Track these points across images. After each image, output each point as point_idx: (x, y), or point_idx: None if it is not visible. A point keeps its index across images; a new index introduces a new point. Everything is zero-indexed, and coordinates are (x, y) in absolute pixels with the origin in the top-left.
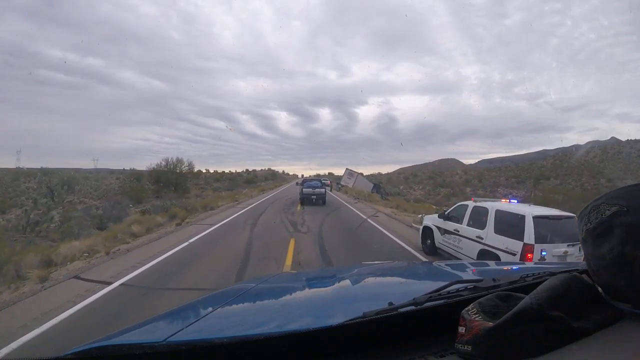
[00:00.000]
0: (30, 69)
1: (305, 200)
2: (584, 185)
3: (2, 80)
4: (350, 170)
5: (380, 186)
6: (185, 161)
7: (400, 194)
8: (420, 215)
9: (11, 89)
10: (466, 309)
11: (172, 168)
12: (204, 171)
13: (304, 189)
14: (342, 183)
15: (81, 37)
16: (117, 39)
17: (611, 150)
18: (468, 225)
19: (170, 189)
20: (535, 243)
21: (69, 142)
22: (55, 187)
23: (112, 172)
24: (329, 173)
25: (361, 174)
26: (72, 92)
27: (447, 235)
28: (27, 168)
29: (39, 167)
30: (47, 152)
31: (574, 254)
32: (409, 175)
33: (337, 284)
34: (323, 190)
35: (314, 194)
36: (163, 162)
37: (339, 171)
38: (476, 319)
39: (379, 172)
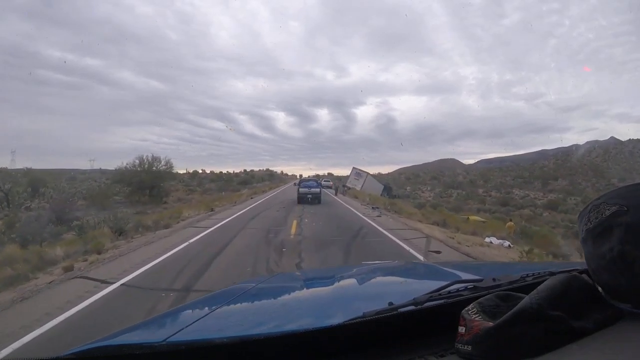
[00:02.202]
0: (30, 69)
1: (301, 199)
2: (595, 185)
3: (1, 80)
4: (358, 169)
5: (391, 188)
6: (162, 160)
7: (409, 196)
8: (499, 243)
9: (11, 89)
10: (466, 308)
11: (146, 168)
12: (200, 171)
13: (300, 189)
14: (348, 185)
15: (81, 38)
16: (116, 39)
17: (613, 150)
18: None
19: (145, 192)
20: None
21: (69, 142)
22: (9, 191)
23: (104, 172)
24: (329, 173)
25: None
26: (71, 92)
27: None
28: (13, 168)
29: (38, 167)
30: (47, 152)
31: None
32: (411, 176)
33: (337, 284)
34: (318, 190)
35: (309, 193)
36: (137, 161)
37: (338, 171)
38: (476, 318)
39: (379, 173)
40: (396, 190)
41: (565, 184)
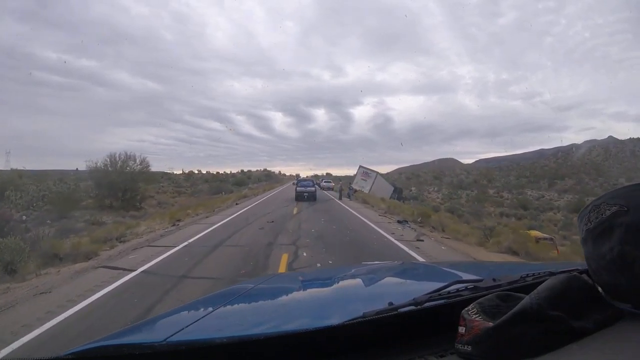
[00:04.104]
0: (27, 71)
1: (299, 197)
2: (602, 185)
3: (1, 81)
4: (366, 168)
5: (401, 189)
6: (137, 158)
7: (417, 197)
8: None
9: (9, 90)
10: (466, 309)
11: (118, 168)
12: (197, 172)
13: (298, 187)
14: (354, 187)
15: (77, 39)
16: (112, 40)
17: (614, 150)
18: None
19: (117, 196)
20: None
21: (68, 142)
22: None
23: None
24: (327, 173)
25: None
26: (69, 94)
27: None
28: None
29: (37, 169)
30: (46, 153)
31: None
32: (411, 175)
33: (336, 284)
34: (314, 188)
35: (306, 192)
36: (108, 160)
37: (337, 171)
38: (476, 319)
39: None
40: (403, 191)
41: (572, 183)
